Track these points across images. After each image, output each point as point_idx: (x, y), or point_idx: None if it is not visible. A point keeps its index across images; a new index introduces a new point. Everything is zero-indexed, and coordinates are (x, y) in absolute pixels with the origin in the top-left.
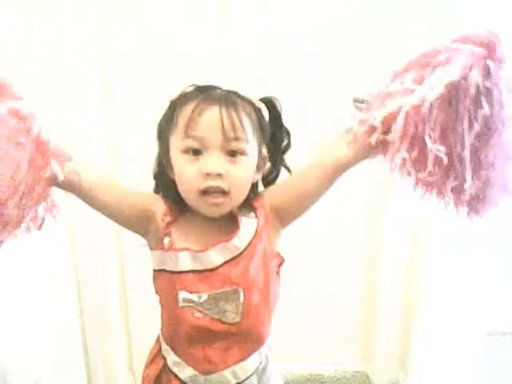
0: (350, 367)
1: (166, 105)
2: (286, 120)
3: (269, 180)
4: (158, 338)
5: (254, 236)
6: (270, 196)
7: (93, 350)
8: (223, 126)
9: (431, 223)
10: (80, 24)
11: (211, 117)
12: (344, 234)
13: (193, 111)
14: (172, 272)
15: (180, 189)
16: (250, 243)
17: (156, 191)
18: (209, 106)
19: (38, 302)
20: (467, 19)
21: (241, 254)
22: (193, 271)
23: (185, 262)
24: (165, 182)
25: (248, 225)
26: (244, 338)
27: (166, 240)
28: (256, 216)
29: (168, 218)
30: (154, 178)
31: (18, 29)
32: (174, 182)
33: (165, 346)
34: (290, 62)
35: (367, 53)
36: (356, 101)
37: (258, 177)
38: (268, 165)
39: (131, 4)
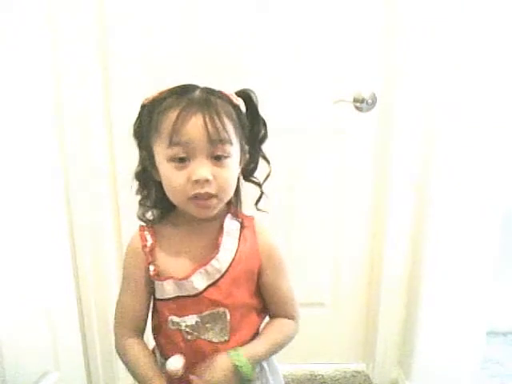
0: (350, 367)
1: None
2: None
3: (248, 170)
4: (153, 350)
5: (234, 258)
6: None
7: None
8: (208, 132)
9: (431, 228)
10: (80, 24)
11: (195, 124)
12: (343, 239)
13: (176, 120)
14: (160, 299)
15: (168, 194)
16: (230, 265)
17: (138, 192)
18: (192, 113)
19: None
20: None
21: (222, 276)
22: (178, 297)
23: (170, 289)
24: (146, 183)
25: (229, 245)
26: None
27: (151, 268)
28: (239, 236)
29: (149, 245)
30: (136, 177)
31: (18, 29)
32: (158, 183)
33: (163, 362)
34: (288, 60)
35: (366, 52)
36: (356, 100)
37: (239, 169)
38: (247, 155)
39: (131, 3)
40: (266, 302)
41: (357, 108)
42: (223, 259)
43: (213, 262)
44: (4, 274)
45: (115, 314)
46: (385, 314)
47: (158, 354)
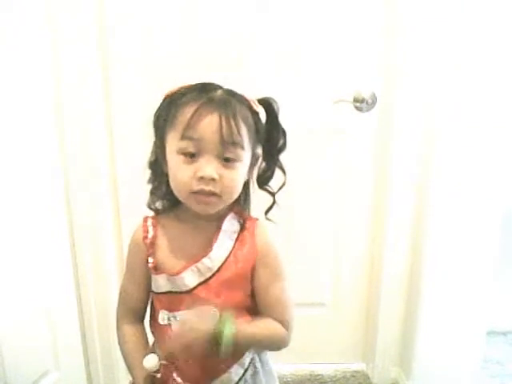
0: (350, 367)
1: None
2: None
3: (263, 179)
4: (153, 345)
5: (227, 258)
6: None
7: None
8: (221, 132)
9: (431, 228)
10: (80, 24)
11: (210, 122)
12: (344, 239)
13: (192, 115)
14: (155, 292)
15: (172, 186)
16: (222, 265)
17: (150, 181)
18: (209, 112)
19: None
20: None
21: (213, 275)
22: (170, 292)
23: (162, 284)
24: (158, 172)
25: (224, 245)
26: None
27: (150, 260)
28: (237, 237)
29: (150, 236)
30: (149, 166)
31: (18, 29)
32: (166, 175)
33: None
34: (288, 60)
35: (366, 52)
36: (356, 100)
37: (250, 174)
38: (263, 164)
39: (131, 3)
40: (258, 306)
41: (357, 108)
42: (215, 258)
43: (204, 259)
44: (4, 274)
45: (118, 300)
46: (385, 314)
47: (156, 346)
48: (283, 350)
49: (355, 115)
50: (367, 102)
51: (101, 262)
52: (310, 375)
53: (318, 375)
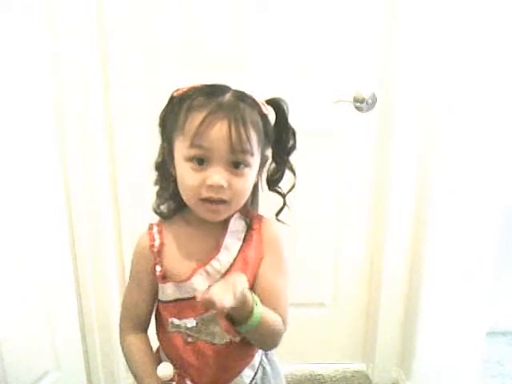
0: (350, 367)
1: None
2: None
3: (273, 180)
4: (158, 351)
5: (236, 258)
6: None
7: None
8: (231, 141)
9: (431, 228)
10: (80, 24)
11: (220, 130)
12: (344, 239)
13: (201, 123)
14: (161, 301)
15: (181, 191)
16: (231, 266)
17: (157, 182)
18: (218, 119)
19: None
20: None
21: (222, 277)
22: (179, 299)
23: (170, 292)
24: (165, 174)
25: (231, 245)
26: (235, 356)
27: (158, 268)
28: (245, 237)
29: (157, 244)
30: (156, 168)
31: (18, 28)
32: (174, 176)
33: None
34: (288, 60)
35: (366, 52)
36: (356, 100)
37: (259, 177)
38: (273, 165)
39: (131, 3)
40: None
41: (357, 108)
42: (224, 259)
43: (213, 262)
44: (4, 275)
45: (121, 311)
46: (385, 314)
47: (162, 355)
48: (283, 350)
49: (355, 115)
50: (367, 102)
51: (101, 262)
52: (310, 375)
53: (318, 375)
